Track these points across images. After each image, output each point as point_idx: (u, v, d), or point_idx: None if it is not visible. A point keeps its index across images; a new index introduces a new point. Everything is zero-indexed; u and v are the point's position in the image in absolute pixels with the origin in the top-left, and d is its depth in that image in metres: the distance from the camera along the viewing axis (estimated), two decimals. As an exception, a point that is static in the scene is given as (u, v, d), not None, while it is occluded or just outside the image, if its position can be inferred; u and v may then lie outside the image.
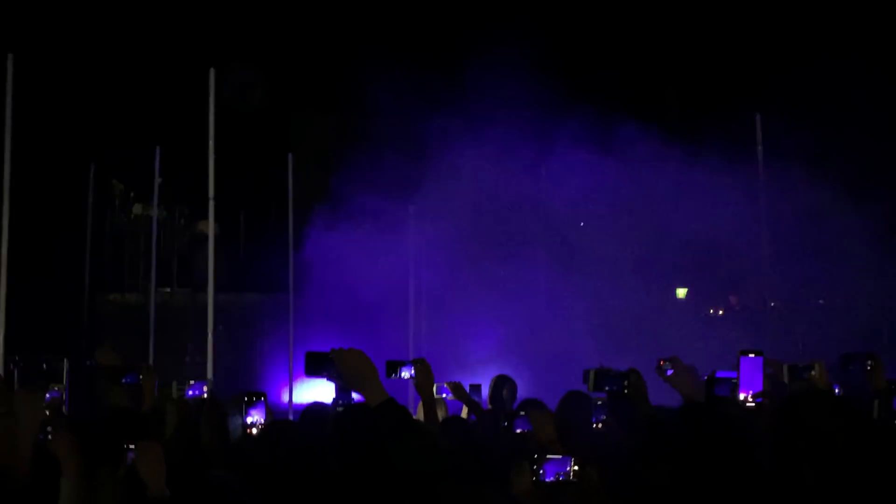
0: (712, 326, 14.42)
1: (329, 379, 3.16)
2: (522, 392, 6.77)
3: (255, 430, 4.17)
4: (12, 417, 3.39)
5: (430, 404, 4.36)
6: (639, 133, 13.77)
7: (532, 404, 4.82)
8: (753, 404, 3.85)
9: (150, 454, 3.33)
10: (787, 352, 10.54)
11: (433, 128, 14.12)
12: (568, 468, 3.41)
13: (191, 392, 5.15)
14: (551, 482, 3.40)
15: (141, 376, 4.91)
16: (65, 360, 10.42)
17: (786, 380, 4.57)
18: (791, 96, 14.19)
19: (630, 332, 13.30)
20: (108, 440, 3.50)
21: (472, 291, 14.37)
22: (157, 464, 3.32)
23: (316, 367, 3.17)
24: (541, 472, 3.40)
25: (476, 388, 6.61)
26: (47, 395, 4.88)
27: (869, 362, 4.56)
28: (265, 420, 4.21)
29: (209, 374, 9.07)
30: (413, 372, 4.26)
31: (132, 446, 3.34)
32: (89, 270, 12.44)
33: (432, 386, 4.38)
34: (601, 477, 3.47)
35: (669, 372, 4.27)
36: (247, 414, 4.20)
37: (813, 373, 4.55)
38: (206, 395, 5.32)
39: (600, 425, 4.65)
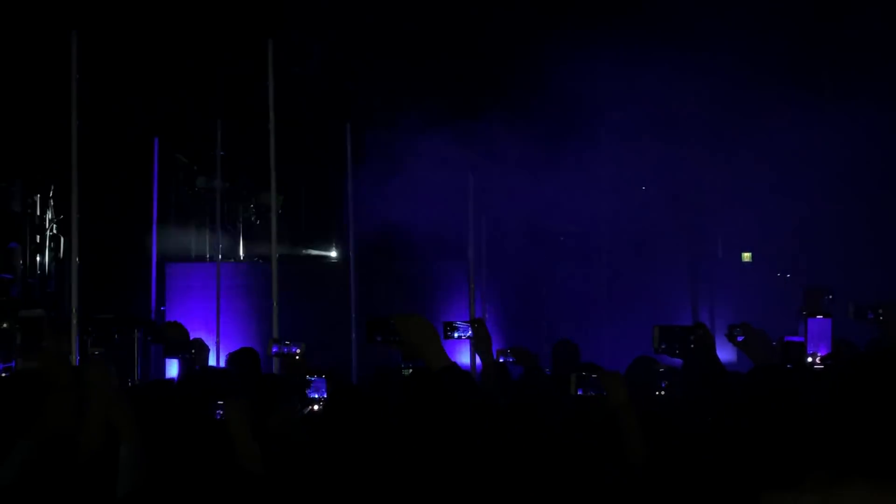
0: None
1: (389, 345, 3.18)
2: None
3: (316, 407, 4.17)
4: (73, 390, 3.47)
5: (489, 367, 4.34)
6: None
7: (591, 367, 4.78)
8: (822, 366, 3.78)
9: (239, 410, 3.36)
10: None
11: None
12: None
13: (284, 349, 5.26)
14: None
15: (193, 351, 4.97)
16: (135, 331, 10.69)
17: (851, 316, 4.35)
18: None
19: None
20: (199, 398, 3.55)
21: None
22: (245, 421, 3.35)
23: (377, 334, 3.19)
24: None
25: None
26: None
27: None
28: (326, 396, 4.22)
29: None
30: (470, 333, 4.23)
31: (220, 402, 3.36)
32: (156, 243, 12.67)
33: (490, 347, 4.36)
34: (667, 437, 3.45)
35: (740, 338, 4.19)
36: (308, 391, 4.21)
37: (880, 312, 4.30)
38: (298, 357, 5.40)
39: (662, 392, 4.60)
